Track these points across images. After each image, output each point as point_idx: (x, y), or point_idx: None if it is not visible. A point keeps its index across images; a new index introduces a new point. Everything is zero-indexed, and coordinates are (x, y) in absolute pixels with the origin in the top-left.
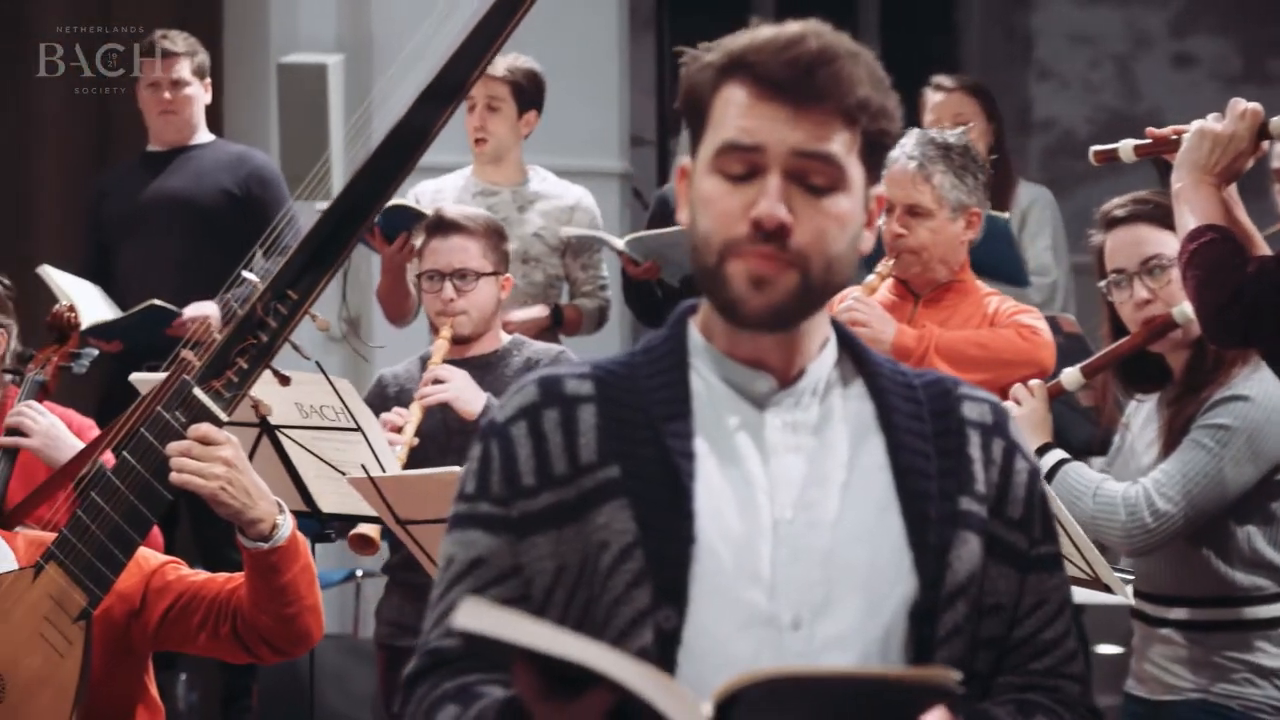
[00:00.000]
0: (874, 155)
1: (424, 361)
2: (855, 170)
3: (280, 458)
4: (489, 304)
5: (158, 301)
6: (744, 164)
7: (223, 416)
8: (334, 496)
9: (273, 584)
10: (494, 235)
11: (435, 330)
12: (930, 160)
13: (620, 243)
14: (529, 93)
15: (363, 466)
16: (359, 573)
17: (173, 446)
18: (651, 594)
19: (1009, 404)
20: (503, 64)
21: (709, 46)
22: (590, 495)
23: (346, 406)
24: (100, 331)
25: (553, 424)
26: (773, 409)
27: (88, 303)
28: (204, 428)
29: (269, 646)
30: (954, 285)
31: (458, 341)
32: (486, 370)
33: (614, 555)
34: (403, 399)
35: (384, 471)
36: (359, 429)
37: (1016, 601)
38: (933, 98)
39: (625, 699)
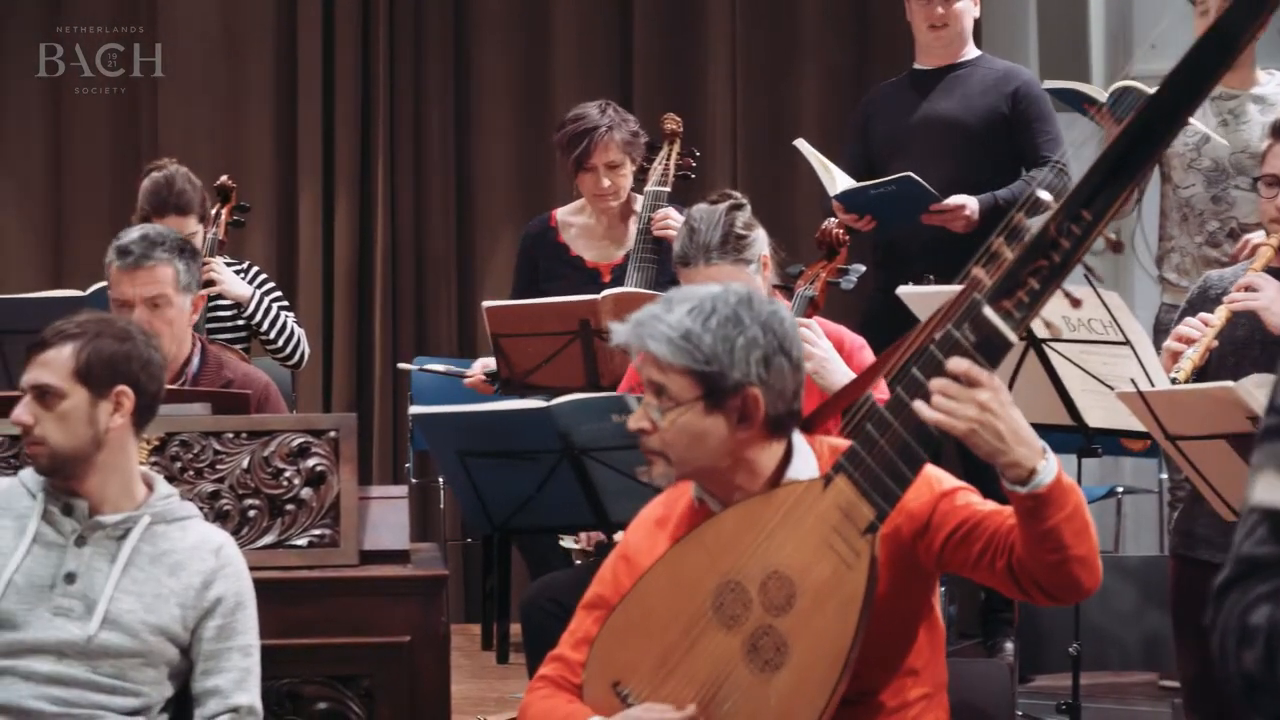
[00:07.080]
0: None
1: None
2: None
3: (1047, 371)
4: None
5: (913, 175)
6: None
7: (1012, 338)
8: (1101, 411)
9: (1034, 528)
10: None
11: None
12: None
13: None
14: None
15: (1132, 381)
16: (1119, 489)
17: (934, 384)
18: None
19: None
20: None
21: None
22: None
23: (1115, 320)
24: (850, 198)
25: None
26: None
27: (840, 176)
28: (965, 366)
29: (1039, 589)
30: None
31: None
32: None
33: None
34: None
35: (1153, 386)
36: (1128, 343)
37: None
38: None
39: None
